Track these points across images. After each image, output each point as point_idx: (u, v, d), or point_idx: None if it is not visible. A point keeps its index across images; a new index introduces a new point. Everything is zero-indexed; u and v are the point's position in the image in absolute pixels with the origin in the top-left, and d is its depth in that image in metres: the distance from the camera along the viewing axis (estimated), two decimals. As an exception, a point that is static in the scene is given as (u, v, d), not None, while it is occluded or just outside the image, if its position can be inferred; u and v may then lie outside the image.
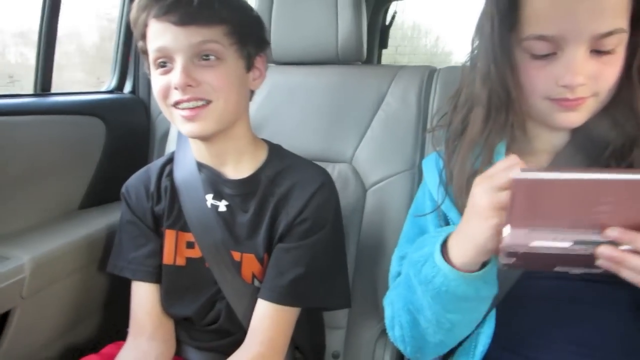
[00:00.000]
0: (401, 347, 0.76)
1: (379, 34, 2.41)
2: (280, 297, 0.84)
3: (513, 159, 0.56)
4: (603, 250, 0.48)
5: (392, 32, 2.44)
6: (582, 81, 0.63)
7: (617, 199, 0.47)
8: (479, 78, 0.71)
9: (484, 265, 0.61)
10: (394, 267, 0.82)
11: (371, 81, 1.14)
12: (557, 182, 0.47)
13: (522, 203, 0.49)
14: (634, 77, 0.67)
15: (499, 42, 0.68)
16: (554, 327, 0.69)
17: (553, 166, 0.72)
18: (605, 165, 0.68)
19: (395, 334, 0.76)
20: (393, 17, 2.43)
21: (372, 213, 1.07)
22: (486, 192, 0.56)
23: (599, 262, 0.50)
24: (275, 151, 0.94)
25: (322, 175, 0.90)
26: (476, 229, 0.58)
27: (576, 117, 0.67)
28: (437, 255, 0.63)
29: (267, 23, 1.17)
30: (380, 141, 1.09)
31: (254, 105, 1.15)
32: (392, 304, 0.76)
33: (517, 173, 0.48)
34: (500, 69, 0.68)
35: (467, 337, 0.73)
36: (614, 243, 0.48)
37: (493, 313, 0.71)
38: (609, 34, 0.62)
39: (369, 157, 1.09)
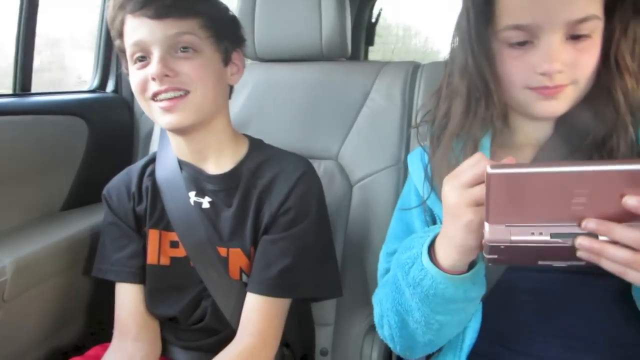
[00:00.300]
0: (391, 345, 0.76)
1: (365, 31, 2.41)
2: (270, 289, 0.84)
3: (479, 156, 0.56)
4: (581, 241, 0.48)
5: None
6: (560, 68, 0.64)
7: (592, 190, 0.46)
8: (458, 71, 0.72)
9: (472, 265, 0.61)
10: (382, 264, 0.82)
11: (356, 77, 1.14)
12: (531, 175, 0.47)
13: (498, 198, 0.49)
14: (612, 65, 0.67)
15: (475, 35, 0.68)
16: (539, 320, 0.69)
17: (528, 162, 0.72)
18: (588, 155, 0.68)
19: (385, 332, 0.76)
20: (379, 15, 2.43)
21: (358, 209, 1.06)
22: (454, 189, 0.56)
23: (579, 254, 0.50)
24: (255, 144, 0.94)
25: (302, 164, 0.90)
26: (451, 228, 0.58)
27: (557, 106, 0.67)
28: (425, 258, 0.62)
29: (251, 20, 1.17)
30: (366, 137, 1.09)
31: (238, 102, 1.16)
32: (381, 303, 0.76)
33: (492, 168, 0.47)
34: (478, 60, 0.68)
35: None
36: (593, 234, 0.48)
37: (480, 307, 0.71)
38: (583, 20, 0.63)
39: (354, 153, 1.09)
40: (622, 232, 0.47)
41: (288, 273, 0.84)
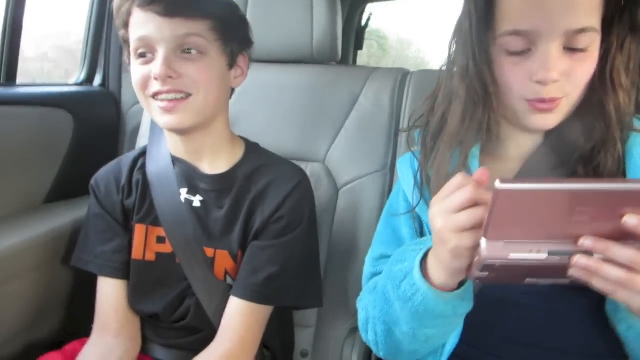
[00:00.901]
0: (374, 349, 0.77)
1: (355, 35, 2.42)
2: (254, 295, 0.84)
3: (461, 178, 0.55)
4: (579, 259, 0.48)
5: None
6: (556, 77, 0.64)
7: (594, 208, 0.46)
8: (458, 74, 0.72)
9: (462, 282, 0.61)
10: (367, 268, 0.83)
11: (345, 81, 1.15)
12: (539, 192, 0.46)
13: (502, 214, 0.48)
14: (607, 80, 0.68)
15: (477, 39, 0.68)
16: (518, 329, 0.71)
17: (514, 173, 0.73)
18: (573, 169, 0.69)
19: (369, 337, 0.76)
20: (368, 19, 2.45)
21: (343, 212, 1.07)
22: (440, 214, 0.55)
23: (571, 272, 0.49)
24: (252, 148, 0.94)
25: (298, 174, 0.91)
26: (439, 251, 0.58)
27: (551, 119, 0.68)
28: (417, 273, 0.62)
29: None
30: (353, 141, 1.10)
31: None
32: (367, 310, 0.76)
33: (502, 183, 0.45)
34: (478, 65, 0.68)
35: None
36: (588, 252, 0.48)
37: None
38: (582, 30, 0.63)
39: (341, 157, 1.10)
40: (619, 250, 0.47)
41: (274, 281, 0.84)
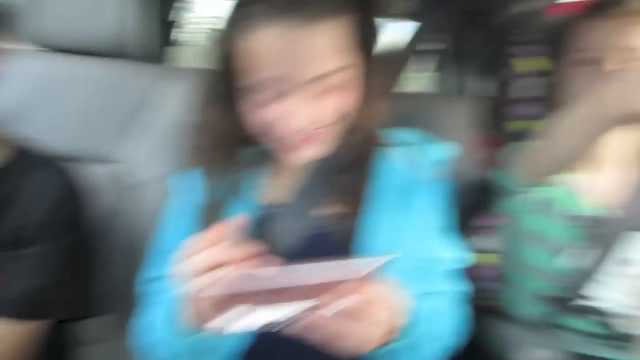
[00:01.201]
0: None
1: (167, 30, 2.33)
2: (10, 311, 0.75)
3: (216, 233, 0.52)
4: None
5: None
6: (306, 125, 0.65)
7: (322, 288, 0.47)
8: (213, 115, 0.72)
9: None
10: (146, 284, 0.77)
11: (144, 79, 1.09)
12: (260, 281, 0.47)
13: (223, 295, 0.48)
14: (364, 104, 0.70)
15: (223, 88, 0.69)
16: None
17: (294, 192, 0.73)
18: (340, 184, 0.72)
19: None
20: (181, 15, 2.37)
21: (130, 216, 1.02)
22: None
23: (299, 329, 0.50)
24: (14, 148, 0.83)
25: (58, 175, 0.83)
26: None
27: (312, 152, 0.69)
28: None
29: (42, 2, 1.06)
30: (147, 142, 1.05)
31: (13, 92, 1.02)
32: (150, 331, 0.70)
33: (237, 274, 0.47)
34: (227, 110, 0.69)
35: None
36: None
37: None
38: (328, 74, 0.64)
39: (133, 158, 1.04)
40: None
41: (32, 293, 0.76)
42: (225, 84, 0.68)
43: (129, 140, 1.05)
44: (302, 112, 0.64)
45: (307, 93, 0.64)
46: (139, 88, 1.08)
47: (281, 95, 0.64)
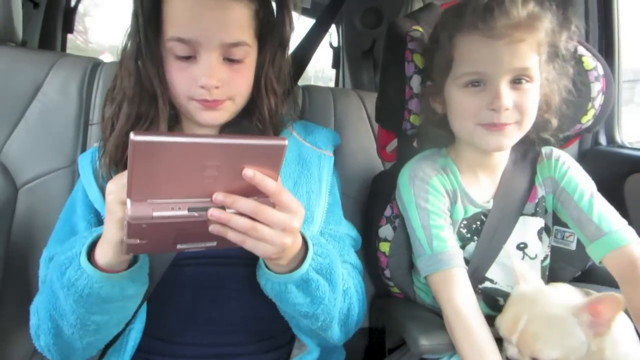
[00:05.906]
0: (48, 356, 0.70)
1: (62, 16, 2.17)
2: None
3: None
4: (213, 212, 0.52)
5: None
6: (216, 83, 0.71)
7: (220, 162, 0.50)
8: (127, 74, 0.74)
9: (133, 264, 0.62)
10: (42, 271, 0.76)
11: (25, 67, 1.02)
12: (171, 144, 0.47)
13: (141, 170, 0.48)
14: (262, 88, 0.79)
15: (144, 41, 0.71)
16: (195, 311, 0.75)
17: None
18: None
19: (41, 343, 0.69)
20: (78, 0, 2.22)
21: (24, 215, 0.95)
22: (114, 185, 0.55)
23: (211, 228, 0.53)
24: None
25: None
26: (107, 225, 0.57)
27: (218, 116, 0.75)
28: (83, 257, 0.60)
29: None
30: (35, 135, 0.98)
31: None
32: (38, 312, 0.69)
33: (135, 135, 0.45)
34: (147, 66, 0.72)
35: (118, 335, 0.72)
36: (224, 208, 0.52)
37: (144, 308, 0.72)
38: (235, 44, 0.72)
39: (21, 152, 0.97)
40: (244, 203, 0.53)
41: None
42: (149, 34, 0.71)
43: (15, 133, 0.98)
44: (216, 72, 0.70)
45: (220, 57, 0.71)
46: (21, 76, 1.01)
47: (199, 53, 0.70)
